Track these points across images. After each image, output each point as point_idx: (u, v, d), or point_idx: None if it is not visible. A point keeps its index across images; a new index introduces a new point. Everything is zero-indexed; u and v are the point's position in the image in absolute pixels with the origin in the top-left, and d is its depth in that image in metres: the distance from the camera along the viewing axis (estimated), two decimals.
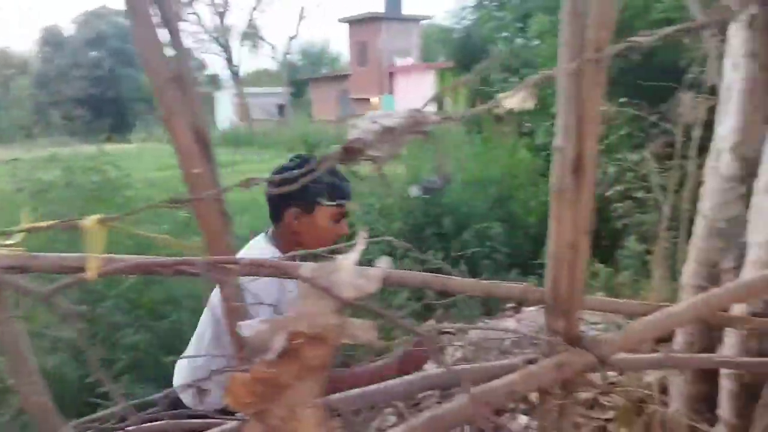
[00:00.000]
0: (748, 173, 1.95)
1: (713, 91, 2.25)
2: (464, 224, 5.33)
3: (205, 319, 1.73)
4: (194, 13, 29.94)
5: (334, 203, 1.65)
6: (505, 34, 9.06)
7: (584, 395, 2.35)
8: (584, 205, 1.00)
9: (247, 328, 0.58)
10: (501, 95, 0.66)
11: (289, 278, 0.60)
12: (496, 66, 8.00)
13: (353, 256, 0.57)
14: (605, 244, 4.82)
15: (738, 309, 1.81)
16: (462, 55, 13.77)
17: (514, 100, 0.64)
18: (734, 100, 1.95)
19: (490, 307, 4.23)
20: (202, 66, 37.08)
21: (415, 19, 29.65)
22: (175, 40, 0.70)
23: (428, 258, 1.00)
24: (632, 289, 3.36)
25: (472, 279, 1.07)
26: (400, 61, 27.78)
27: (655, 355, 1.29)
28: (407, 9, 30.12)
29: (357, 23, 29.23)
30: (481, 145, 8.13)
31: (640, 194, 3.35)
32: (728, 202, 2.01)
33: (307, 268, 0.58)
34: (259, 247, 1.73)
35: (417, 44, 29.82)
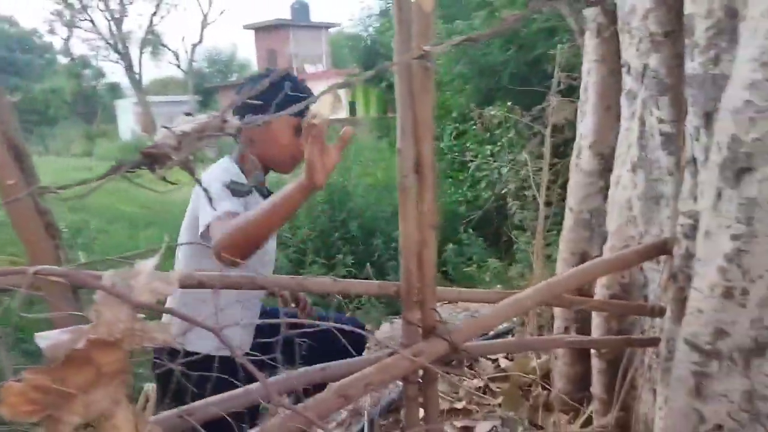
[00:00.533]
0: (605, 168, 2.14)
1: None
2: (371, 228, 5.39)
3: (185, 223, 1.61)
4: (89, 20, 28.28)
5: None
6: None
7: (475, 383, 2.46)
8: (427, 202, 1.06)
9: (43, 339, 0.57)
10: (314, 106, 0.69)
11: (87, 288, 0.60)
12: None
13: (151, 260, 0.58)
14: (505, 240, 5.07)
15: (600, 293, 1.98)
16: (369, 61, 13.97)
17: (326, 108, 0.68)
18: (590, 102, 2.13)
19: (396, 307, 4.32)
20: (99, 74, 34.98)
21: (323, 27, 29.67)
22: None
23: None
24: (524, 280, 3.55)
25: (329, 278, 1.10)
26: (310, 68, 27.67)
27: (506, 339, 1.38)
28: (315, 16, 30.07)
29: (264, 30, 28.81)
30: (387, 149, 8.28)
31: (527, 192, 3.56)
32: (590, 195, 2.19)
33: (106, 275, 0.58)
34: (221, 165, 1.54)
35: (327, 51, 29.82)
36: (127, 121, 30.48)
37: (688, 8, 1.26)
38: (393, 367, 1.08)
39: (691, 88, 1.25)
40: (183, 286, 0.86)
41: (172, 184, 0.64)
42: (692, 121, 1.27)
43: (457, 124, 6.39)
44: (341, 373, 1.12)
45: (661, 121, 1.51)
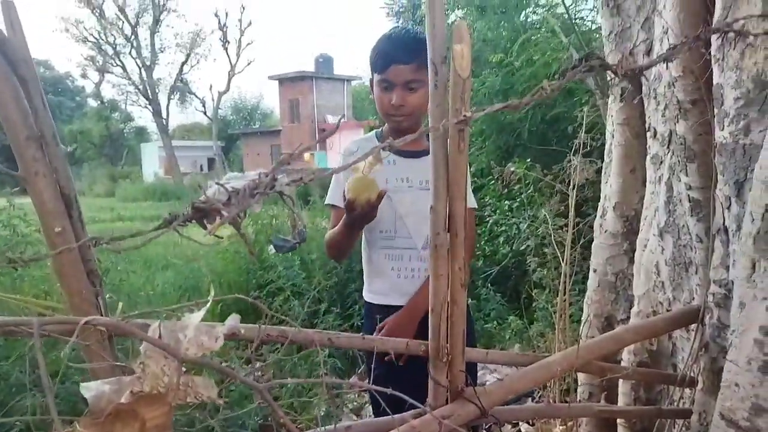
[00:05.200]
0: (629, 230, 2.13)
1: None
2: None
3: None
4: (120, 66, 29.47)
5: (377, 70, 1.65)
6: None
7: None
8: (459, 260, 1.06)
9: (88, 389, 0.58)
10: (359, 164, 0.71)
11: (134, 338, 0.60)
12: None
13: (199, 313, 0.59)
14: (525, 297, 5.01)
15: (627, 359, 1.93)
16: None
17: (367, 166, 0.70)
18: (614, 164, 2.14)
19: None
20: (128, 118, 36.19)
21: (345, 79, 30.54)
22: (35, 98, 0.71)
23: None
24: (544, 340, 3.48)
25: (358, 335, 1.10)
26: (332, 119, 28.38)
27: (535, 404, 1.35)
28: (338, 69, 31.03)
29: (288, 81, 29.73)
30: None
31: (546, 250, 3.54)
32: (614, 257, 2.17)
33: (153, 326, 0.59)
34: (364, 136, 1.91)
35: (348, 103, 30.60)
36: (152, 163, 31.26)
37: (717, 78, 1.28)
38: (420, 429, 1.05)
39: (721, 156, 1.26)
40: (227, 339, 0.86)
41: (219, 237, 0.66)
42: (723, 189, 1.27)
43: (476, 179, 6.44)
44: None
45: (689, 187, 1.51)
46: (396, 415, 1.23)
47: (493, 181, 5.62)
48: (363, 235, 1.85)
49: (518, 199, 4.75)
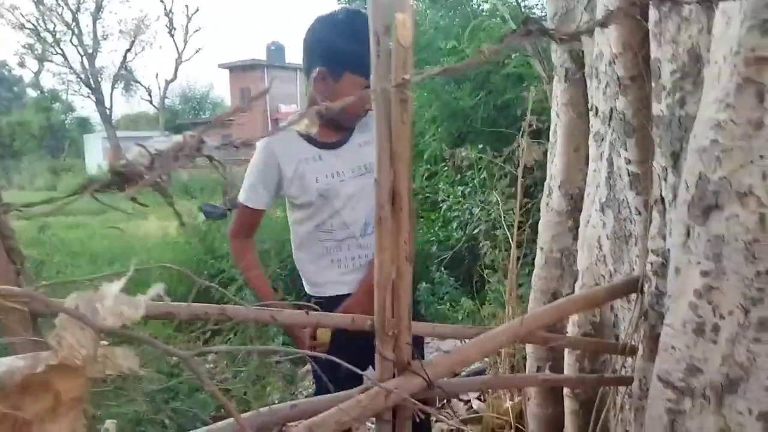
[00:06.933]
0: (574, 208, 2.18)
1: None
2: None
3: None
4: (61, 54, 28.12)
5: (359, 74, 1.53)
6: None
7: (446, 426, 2.41)
8: (403, 234, 1.05)
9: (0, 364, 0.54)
10: (291, 121, 0.69)
11: (48, 311, 0.56)
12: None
13: (118, 282, 0.55)
14: (476, 279, 5.09)
15: (571, 332, 1.98)
16: None
17: (302, 125, 0.68)
18: (559, 143, 2.18)
19: None
20: (69, 108, 34.59)
21: (298, 68, 30.13)
22: None
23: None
24: (496, 320, 3.54)
25: (302, 312, 1.08)
26: (284, 108, 28.01)
27: (482, 377, 1.36)
28: (290, 58, 30.60)
29: (239, 69, 29.11)
30: None
31: (498, 232, 3.59)
32: (560, 234, 2.22)
33: (71, 297, 0.55)
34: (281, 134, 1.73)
35: (302, 92, 30.21)
36: (95, 155, 30.07)
37: (654, 52, 1.31)
38: (367, 404, 1.04)
39: (658, 129, 1.29)
40: (150, 313, 0.82)
41: (143, 205, 0.62)
42: (660, 161, 1.30)
43: (429, 166, 6.48)
44: (312, 410, 1.09)
45: (628, 162, 1.55)
46: (342, 391, 1.22)
47: (446, 168, 5.67)
48: (296, 233, 1.76)
49: (470, 185, 4.81)
